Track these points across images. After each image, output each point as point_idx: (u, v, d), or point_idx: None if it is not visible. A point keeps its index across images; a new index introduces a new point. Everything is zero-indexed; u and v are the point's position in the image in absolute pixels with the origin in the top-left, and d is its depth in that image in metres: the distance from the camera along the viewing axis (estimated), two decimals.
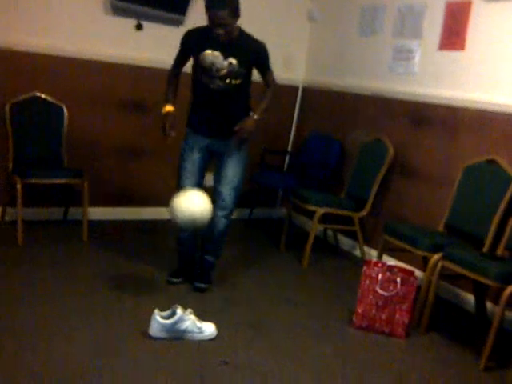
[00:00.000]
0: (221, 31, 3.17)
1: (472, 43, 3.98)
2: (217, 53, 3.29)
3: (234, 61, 3.30)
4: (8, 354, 2.59)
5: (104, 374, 2.53)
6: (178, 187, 3.43)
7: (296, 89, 5.49)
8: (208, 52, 3.30)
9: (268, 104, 3.50)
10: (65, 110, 4.38)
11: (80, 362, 2.60)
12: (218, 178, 3.51)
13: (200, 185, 3.50)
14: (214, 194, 3.46)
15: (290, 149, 5.59)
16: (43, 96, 4.32)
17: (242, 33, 3.35)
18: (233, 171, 3.47)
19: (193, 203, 3.10)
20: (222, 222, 3.52)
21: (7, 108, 4.17)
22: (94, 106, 4.59)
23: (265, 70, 3.50)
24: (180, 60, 3.51)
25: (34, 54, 4.28)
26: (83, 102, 4.53)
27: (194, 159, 3.48)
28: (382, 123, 4.66)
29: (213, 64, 3.30)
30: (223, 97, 3.38)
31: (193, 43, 3.38)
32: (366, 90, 4.81)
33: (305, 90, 5.51)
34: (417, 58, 4.39)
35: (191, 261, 3.70)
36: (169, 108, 3.38)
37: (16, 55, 4.22)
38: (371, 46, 4.82)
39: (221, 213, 3.49)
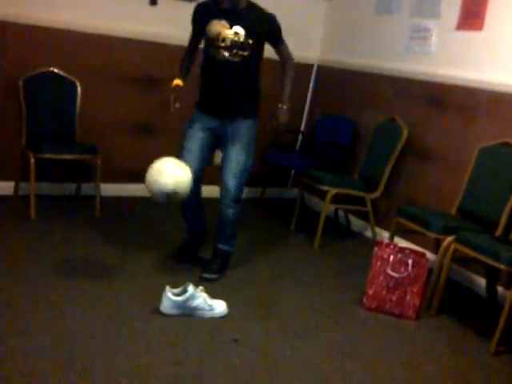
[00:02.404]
0: None
1: (490, 24, 3.92)
2: (223, 21, 3.20)
3: (240, 30, 3.19)
4: (20, 332, 2.61)
5: (116, 350, 2.56)
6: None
7: (311, 67, 5.43)
8: (214, 22, 3.21)
9: (291, 85, 3.43)
10: (78, 86, 4.37)
11: (91, 339, 2.63)
12: (222, 165, 3.39)
13: (202, 168, 3.39)
14: (220, 183, 3.39)
15: (302, 128, 5.56)
16: (56, 71, 4.31)
17: (250, 4, 3.28)
18: (236, 158, 3.33)
19: (165, 175, 2.97)
20: (227, 210, 3.40)
21: (21, 83, 4.17)
22: (107, 82, 4.57)
23: (277, 42, 3.39)
24: (193, 37, 3.44)
25: (47, 28, 4.25)
26: (97, 77, 4.52)
27: (197, 138, 3.38)
28: (397, 104, 4.61)
29: (219, 33, 3.19)
30: (230, 70, 3.25)
31: (201, 16, 3.31)
32: (382, 70, 4.75)
33: (319, 68, 5.45)
34: (434, 38, 4.33)
35: (199, 235, 3.67)
36: (176, 82, 3.33)
37: (29, 29, 4.20)
38: (388, 25, 4.75)
39: (225, 201, 3.38)
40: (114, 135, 4.69)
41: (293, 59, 3.48)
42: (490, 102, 3.90)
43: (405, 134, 4.36)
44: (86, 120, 4.46)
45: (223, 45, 3.21)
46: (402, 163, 4.46)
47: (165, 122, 4.85)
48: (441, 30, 4.27)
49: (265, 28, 3.29)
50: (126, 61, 4.60)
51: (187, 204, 3.41)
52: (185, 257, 3.64)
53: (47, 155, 4.03)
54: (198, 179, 3.35)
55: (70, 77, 4.35)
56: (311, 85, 5.49)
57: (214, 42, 3.22)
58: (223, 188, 3.38)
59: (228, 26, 3.20)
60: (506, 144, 3.71)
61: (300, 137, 5.55)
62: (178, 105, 3.31)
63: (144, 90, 4.74)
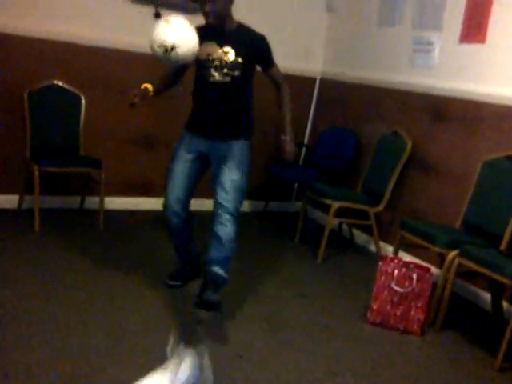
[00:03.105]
0: (207, 8, 3.05)
1: (493, 36, 3.92)
2: (213, 42, 3.17)
3: (230, 50, 3.15)
4: (23, 345, 2.61)
5: (119, 365, 2.55)
6: (165, 194, 3.28)
7: (313, 80, 5.44)
8: (204, 44, 3.14)
9: (290, 110, 3.27)
10: (82, 98, 4.39)
11: (94, 353, 2.62)
12: (215, 186, 3.15)
13: (190, 193, 3.29)
14: (214, 205, 3.15)
15: (306, 142, 5.56)
16: (61, 84, 4.33)
17: (240, 25, 3.23)
18: (229, 177, 3.12)
19: (171, 27, 2.89)
20: (222, 228, 3.10)
21: (25, 96, 4.19)
22: (111, 95, 4.58)
23: (268, 64, 3.27)
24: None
25: (52, 41, 4.28)
26: (101, 90, 4.53)
27: (185, 160, 3.24)
28: (401, 117, 4.62)
29: (209, 54, 3.16)
30: (222, 90, 3.19)
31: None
32: (385, 83, 4.76)
33: (322, 81, 5.47)
34: (437, 51, 4.34)
35: (188, 256, 3.54)
36: (147, 85, 3.21)
37: (34, 42, 4.23)
38: (390, 37, 4.77)
39: (219, 217, 3.10)
40: (118, 148, 4.70)
41: (286, 82, 3.32)
42: (493, 115, 3.90)
43: (408, 146, 4.36)
44: (91, 133, 4.47)
45: (213, 65, 3.17)
46: (406, 176, 4.46)
47: (169, 135, 4.84)
48: (444, 42, 4.28)
49: (254, 48, 3.20)
50: (130, 74, 4.61)
51: (175, 233, 3.33)
52: (174, 282, 3.50)
53: (51, 168, 4.04)
54: (185, 204, 3.27)
55: (74, 90, 4.37)
56: (314, 98, 5.50)
57: (205, 62, 3.18)
58: (217, 206, 3.13)
59: (218, 46, 3.16)
60: (510, 157, 3.70)
61: (303, 150, 5.55)
62: (137, 99, 3.12)
63: (148, 103, 4.73)
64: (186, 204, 3.29)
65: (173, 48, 2.90)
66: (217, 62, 3.16)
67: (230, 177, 3.13)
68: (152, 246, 4.07)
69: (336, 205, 4.26)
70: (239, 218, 3.16)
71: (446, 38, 4.27)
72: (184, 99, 4.58)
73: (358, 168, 4.86)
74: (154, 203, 4.93)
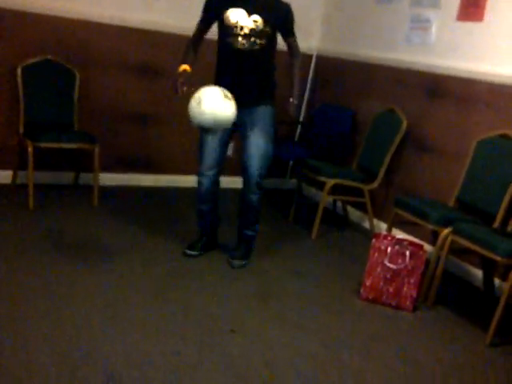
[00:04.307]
0: None
1: (491, 14, 3.90)
2: (241, 10, 3.24)
3: (258, 18, 3.23)
4: (19, 319, 2.63)
5: (114, 339, 2.57)
6: (199, 158, 3.43)
7: (310, 57, 5.41)
8: (232, 10, 3.24)
9: (299, 79, 3.49)
10: (77, 74, 4.35)
11: (90, 327, 2.64)
12: (243, 153, 3.42)
13: (221, 159, 3.45)
14: (241, 168, 3.43)
15: (301, 119, 5.55)
16: (55, 59, 4.29)
17: None
18: (257, 145, 3.36)
19: (214, 102, 2.95)
20: (250, 196, 3.47)
21: (19, 71, 4.15)
22: (106, 71, 4.55)
23: (289, 33, 3.43)
24: (202, 26, 3.42)
25: (46, 16, 4.23)
26: (95, 66, 4.50)
27: None
28: (396, 94, 4.61)
29: (237, 22, 3.23)
30: (248, 58, 3.29)
31: (217, 5, 3.32)
32: (381, 60, 4.74)
33: (318, 58, 5.44)
34: (434, 29, 4.31)
35: (211, 233, 3.68)
36: (184, 67, 3.27)
37: (28, 17, 4.17)
38: (388, 14, 4.73)
39: (248, 187, 3.45)
40: (112, 124, 4.68)
41: (300, 54, 3.51)
42: (489, 94, 3.90)
43: (404, 124, 4.36)
44: (85, 109, 4.45)
45: (242, 33, 3.24)
46: (401, 154, 4.46)
47: (164, 111, 4.85)
48: (441, 20, 4.26)
49: (280, 17, 3.33)
50: (124, 49, 4.58)
51: (204, 197, 3.48)
52: (194, 252, 3.60)
53: (45, 144, 4.02)
54: (217, 169, 3.45)
55: (68, 65, 4.33)
56: (310, 75, 5.47)
57: (232, 30, 3.25)
58: (245, 174, 3.42)
59: (246, 14, 3.23)
60: (504, 136, 3.71)
61: (299, 127, 5.54)
62: (185, 88, 3.21)
63: (143, 79, 4.73)
64: (217, 168, 3.46)
65: (209, 129, 3.06)
66: (246, 30, 3.23)
67: (258, 143, 3.36)
68: (147, 222, 4.07)
69: (331, 182, 4.27)
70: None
71: (443, 16, 4.24)
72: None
73: (354, 145, 4.86)
74: (148, 179, 4.95)
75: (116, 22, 4.47)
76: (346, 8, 5.18)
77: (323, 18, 5.40)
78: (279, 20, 3.33)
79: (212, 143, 3.39)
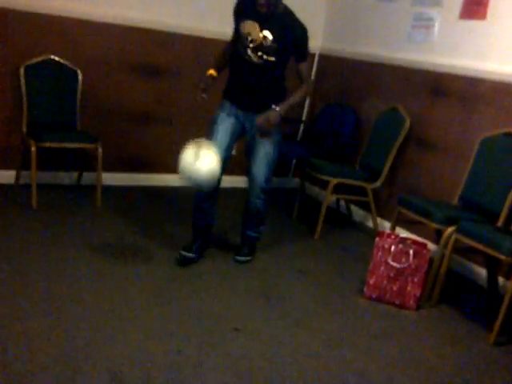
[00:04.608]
0: (262, 1, 3.16)
1: (493, 13, 3.89)
2: (255, 23, 3.25)
3: (268, 34, 3.23)
4: (22, 317, 2.63)
5: (117, 337, 2.56)
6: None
7: (312, 56, 5.40)
8: (248, 21, 3.27)
9: (297, 100, 3.42)
10: (79, 74, 4.35)
11: (93, 326, 2.64)
12: (250, 157, 3.47)
13: (228, 154, 3.43)
14: (247, 171, 3.49)
15: (304, 118, 5.54)
16: (58, 59, 4.29)
17: (286, 10, 3.30)
18: (263, 150, 3.40)
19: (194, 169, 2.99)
20: (255, 201, 3.52)
21: (22, 70, 4.15)
22: (108, 70, 4.55)
23: (301, 57, 3.35)
24: (234, 32, 3.43)
25: (49, 15, 4.23)
26: (98, 65, 4.50)
27: (227, 123, 3.41)
28: (399, 93, 4.60)
29: (249, 33, 3.26)
30: (254, 71, 3.31)
31: (239, 12, 3.36)
32: (384, 59, 4.73)
33: (321, 57, 5.43)
34: (436, 27, 4.30)
35: (205, 233, 3.62)
36: (211, 71, 3.35)
37: (31, 17, 4.17)
38: (390, 13, 4.72)
39: (253, 191, 3.49)
40: (115, 124, 4.68)
41: (310, 81, 3.50)
42: (492, 92, 3.88)
43: (407, 123, 4.34)
44: (88, 108, 4.45)
45: (251, 45, 3.27)
46: (404, 153, 4.45)
47: (167, 111, 4.84)
48: (443, 18, 4.24)
49: (292, 39, 3.27)
50: (126, 49, 4.58)
51: (204, 195, 3.45)
52: (189, 254, 3.52)
53: (48, 144, 4.02)
54: (222, 163, 3.35)
55: (71, 65, 4.33)
56: (313, 73, 5.45)
57: (244, 40, 3.29)
58: (251, 179, 3.47)
59: (259, 28, 3.24)
60: (508, 134, 3.70)
61: (301, 126, 5.53)
62: (204, 95, 3.30)
63: (146, 79, 4.72)
64: (223, 163, 3.35)
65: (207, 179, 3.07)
66: (254, 44, 3.26)
67: (265, 149, 3.40)
68: (150, 222, 4.07)
69: (334, 181, 4.26)
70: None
71: (445, 14, 4.23)
72: (183, 78, 4.59)
73: (357, 144, 4.85)
74: (151, 179, 4.95)
75: (119, 21, 4.47)
76: (349, 7, 5.17)
77: (326, 16, 5.39)
78: (290, 42, 3.27)
79: (218, 144, 3.34)
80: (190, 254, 3.50)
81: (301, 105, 5.39)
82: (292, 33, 3.26)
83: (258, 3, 3.19)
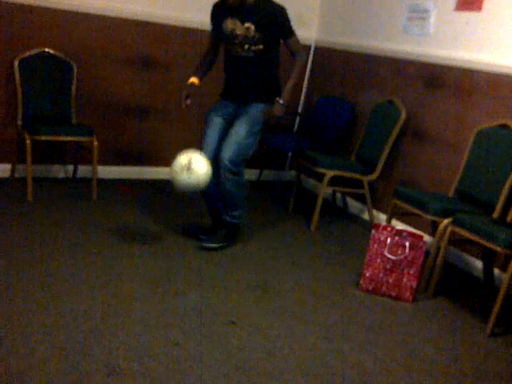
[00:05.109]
0: None
1: (489, 4, 3.88)
2: (235, 19, 3.34)
3: (250, 25, 3.32)
4: (19, 312, 2.62)
5: (115, 331, 2.56)
6: (200, 150, 3.45)
7: (308, 48, 5.39)
8: (228, 20, 3.37)
9: (295, 81, 3.51)
10: (74, 67, 4.33)
11: (90, 320, 2.63)
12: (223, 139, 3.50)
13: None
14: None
15: (300, 110, 5.53)
16: (52, 52, 4.27)
17: None
18: (236, 132, 3.43)
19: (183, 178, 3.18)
20: (223, 182, 3.45)
21: (16, 63, 4.13)
22: (104, 63, 4.53)
23: (286, 35, 3.44)
24: (211, 35, 3.58)
25: (42, 8, 4.20)
26: (93, 58, 4.48)
27: (216, 123, 3.52)
28: (395, 85, 4.59)
29: (232, 30, 3.36)
30: (246, 63, 3.42)
31: (217, 15, 3.47)
32: (380, 51, 4.72)
33: (317, 49, 5.42)
34: (432, 19, 4.29)
35: (216, 211, 3.70)
36: (192, 79, 3.47)
37: (24, 9, 4.15)
38: (386, 5, 4.71)
39: (222, 171, 3.42)
40: (110, 117, 4.66)
41: (304, 56, 3.56)
42: (488, 84, 3.88)
43: (403, 115, 4.34)
44: (83, 101, 4.43)
45: (237, 41, 3.38)
46: (400, 145, 4.45)
47: (161, 103, 4.83)
48: (439, 10, 4.24)
49: (273, 22, 3.35)
50: (121, 41, 4.56)
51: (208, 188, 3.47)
52: (214, 245, 3.61)
53: (43, 137, 4.01)
54: (217, 162, 3.45)
55: (65, 58, 4.31)
56: (308, 66, 5.45)
57: (229, 38, 3.40)
58: (218, 159, 3.43)
59: (240, 22, 3.34)
60: (504, 126, 3.70)
61: (297, 119, 5.53)
62: (188, 102, 3.46)
63: (140, 71, 4.70)
64: (218, 162, 3.47)
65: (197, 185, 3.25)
66: (240, 38, 3.37)
67: (238, 131, 3.44)
68: (146, 215, 4.07)
69: (330, 173, 4.26)
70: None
71: (441, 6, 4.22)
72: (178, 70, 4.58)
73: (353, 137, 4.85)
74: (147, 172, 4.94)
75: (113, 13, 4.44)
76: None
77: (321, 9, 5.38)
78: (271, 24, 3.35)
79: (213, 133, 3.50)
80: (214, 245, 3.60)
81: (297, 96, 5.38)
82: (270, 16, 3.34)
83: (228, 2, 3.30)
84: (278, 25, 3.37)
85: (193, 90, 3.46)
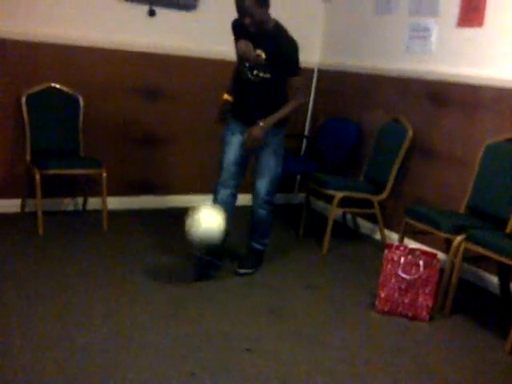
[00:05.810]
0: (247, 20, 3.19)
1: (491, 19, 3.90)
2: (249, 43, 3.32)
3: (261, 53, 3.29)
4: (32, 348, 2.61)
5: (129, 362, 2.54)
6: (220, 172, 3.58)
7: (311, 71, 5.41)
8: (242, 41, 3.34)
9: (283, 116, 3.41)
10: (81, 100, 4.37)
11: (104, 352, 2.61)
12: (254, 171, 3.59)
13: (240, 170, 3.59)
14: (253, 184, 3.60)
15: (306, 133, 5.54)
16: (58, 86, 4.31)
17: (277, 26, 3.33)
18: (266, 164, 3.50)
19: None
20: (258, 211, 3.60)
21: (23, 99, 4.17)
22: (110, 95, 4.57)
23: (290, 72, 3.34)
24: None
25: (47, 44, 4.25)
26: (99, 91, 4.51)
27: (232, 142, 3.54)
28: (400, 104, 4.60)
29: (244, 53, 3.34)
30: (253, 88, 3.41)
31: (235, 31, 3.45)
32: (383, 70, 4.73)
33: (320, 72, 5.44)
34: (434, 37, 4.31)
35: (216, 253, 3.63)
36: (226, 97, 3.56)
37: (30, 46, 4.20)
38: (387, 25, 4.74)
39: (256, 202, 3.59)
40: (118, 148, 4.68)
41: (302, 100, 3.56)
42: (493, 99, 3.88)
43: (409, 133, 4.34)
44: (90, 134, 4.46)
45: (247, 64, 3.36)
46: (408, 163, 4.44)
47: (169, 132, 4.86)
48: (441, 27, 4.25)
49: (281, 53, 3.30)
50: (126, 73, 4.60)
51: (224, 201, 3.57)
52: (204, 273, 3.57)
53: (52, 171, 4.03)
54: (236, 180, 3.59)
55: (72, 92, 4.35)
56: (313, 89, 5.47)
57: (241, 60, 3.39)
58: (254, 191, 3.58)
59: (252, 47, 3.31)
60: (511, 140, 3.68)
61: (304, 141, 5.53)
62: (222, 116, 3.59)
63: (146, 101, 4.74)
64: (237, 180, 3.61)
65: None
66: (249, 63, 3.34)
67: (267, 162, 3.50)
68: (157, 244, 4.06)
69: (339, 195, 4.24)
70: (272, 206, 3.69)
71: (443, 23, 4.24)
72: (184, 99, 4.61)
73: (360, 157, 4.84)
74: (156, 201, 4.94)
75: (118, 46, 4.49)
76: (346, 20, 5.20)
77: (323, 31, 5.41)
78: (279, 56, 3.30)
79: (231, 152, 3.54)
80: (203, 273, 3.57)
81: (299, 120, 5.39)
82: (281, 49, 3.30)
83: (245, 24, 3.23)
84: (284, 58, 3.29)
85: (226, 108, 3.55)
